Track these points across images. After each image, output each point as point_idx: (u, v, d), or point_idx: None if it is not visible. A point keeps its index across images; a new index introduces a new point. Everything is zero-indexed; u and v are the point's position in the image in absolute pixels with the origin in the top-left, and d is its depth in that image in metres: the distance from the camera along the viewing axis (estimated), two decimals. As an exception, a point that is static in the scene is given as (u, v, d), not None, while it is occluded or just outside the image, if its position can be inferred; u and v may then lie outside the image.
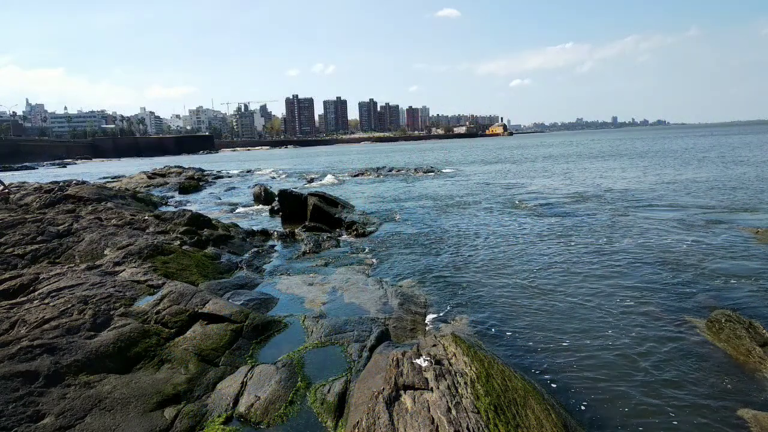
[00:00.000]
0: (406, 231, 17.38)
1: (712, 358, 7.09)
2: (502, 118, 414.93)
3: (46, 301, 7.50)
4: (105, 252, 11.61)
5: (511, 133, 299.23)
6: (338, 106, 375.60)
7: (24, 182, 34.00)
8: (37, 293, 7.97)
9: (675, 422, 5.64)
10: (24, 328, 6.59)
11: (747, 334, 7.35)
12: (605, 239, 14.46)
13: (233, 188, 36.53)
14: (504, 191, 28.06)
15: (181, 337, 7.08)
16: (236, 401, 5.71)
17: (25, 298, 7.70)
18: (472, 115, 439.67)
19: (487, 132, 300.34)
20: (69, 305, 7.29)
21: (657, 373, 6.71)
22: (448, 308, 9.50)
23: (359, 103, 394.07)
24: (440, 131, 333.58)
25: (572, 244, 14.14)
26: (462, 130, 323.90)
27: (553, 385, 6.44)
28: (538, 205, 21.77)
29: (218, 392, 5.93)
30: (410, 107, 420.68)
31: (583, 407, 5.98)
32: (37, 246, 11.60)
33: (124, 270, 9.66)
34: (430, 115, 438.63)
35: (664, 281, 10.40)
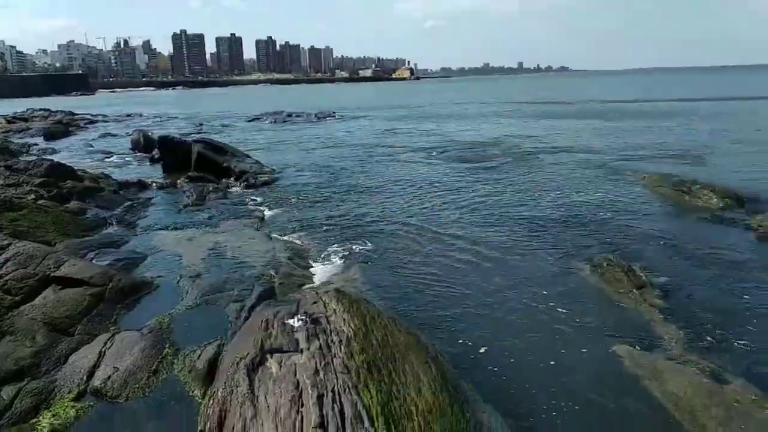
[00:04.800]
0: (303, 181, 17.04)
1: (594, 299, 7.56)
2: (408, 62, 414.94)
3: None
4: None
5: (417, 78, 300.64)
6: (233, 44, 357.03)
7: None
8: None
9: (558, 357, 5.97)
10: None
11: (626, 278, 7.90)
12: (502, 188, 14.95)
13: (109, 134, 33.93)
14: (407, 138, 28.21)
15: (29, 305, 6.46)
16: (91, 374, 5.32)
17: None
18: (378, 58, 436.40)
19: (393, 75, 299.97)
20: None
21: (543, 315, 7.05)
22: (342, 261, 9.41)
23: (256, 42, 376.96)
24: (345, 74, 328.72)
25: (471, 192, 14.50)
26: (368, 73, 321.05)
27: (442, 335, 6.59)
28: (439, 153, 22.11)
29: (71, 365, 5.50)
30: (312, 47, 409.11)
31: (469, 351, 6.19)
32: None
33: (-40, 230, 8.66)
34: (334, 56, 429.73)
35: (554, 227, 10.94)
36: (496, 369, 5.86)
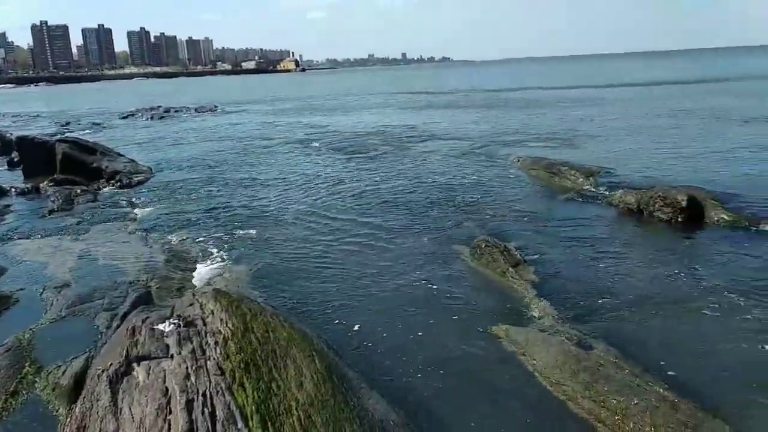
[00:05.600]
0: (181, 178, 16.32)
1: (473, 281, 7.89)
2: (293, 54, 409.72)
3: None
4: None
5: (303, 70, 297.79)
6: (101, 35, 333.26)
7: None
8: None
9: (437, 340, 6.16)
10: None
11: (502, 257, 8.31)
12: (384, 175, 15.20)
13: (-42, 137, 30.50)
14: (291, 130, 27.86)
15: None
16: (-65, 405, 4.77)
17: None
18: (262, 50, 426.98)
19: (278, 67, 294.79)
20: None
21: (423, 300, 7.25)
22: (225, 260, 9.12)
23: (128, 33, 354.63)
24: (227, 66, 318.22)
25: (354, 181, 14.62)
26: (251, 65, 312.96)
27: (327, 326, 6.60)
28: (322, 144, 22.07)
29: None
30: (190, 38, 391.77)
31: (352, 339, 6.25)
32: None
33: None
34: (215, 48, 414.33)
35: (435, 211, 11.31)
36: (380, 352, 5.97)
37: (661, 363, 5.50)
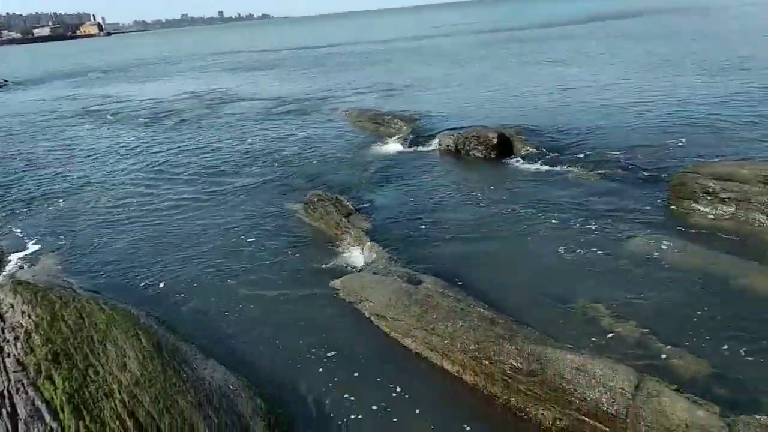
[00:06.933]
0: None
1: (308, 236, 7.95)
2: (94, 16, 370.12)
3: None
4: None
5: (109, 34, 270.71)
6: None
7: None
8: None
9: (275, 300, 6.16)
10: None
11: (335, 209, 8.42)
12: (201, 140, 14.58)
13: None
14: (93, 103, 25.29)
15: None
16: None
17: None
18: (55, 14, 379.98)
19: (78, 33, 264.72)
20: None
21: (258, 261, 7.17)
22: (35, 247, 8.26)
23: None
24: (16, 35, 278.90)
25: (172, 148, 13.83)
26: (46, 32, 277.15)
27: (157, 301, 6.30)
28: (133, 116, 20.40)
29: None
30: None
31: (185, 310, 6.09)
32: None
33: None
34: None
35: (262, 172, 11.13)
36: (215, 319, 5.86)
37: (480, 285, 6.03)
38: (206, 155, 12.86)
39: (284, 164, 11.59)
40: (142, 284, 6.79)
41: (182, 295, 6.44)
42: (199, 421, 3.66)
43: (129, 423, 3.30)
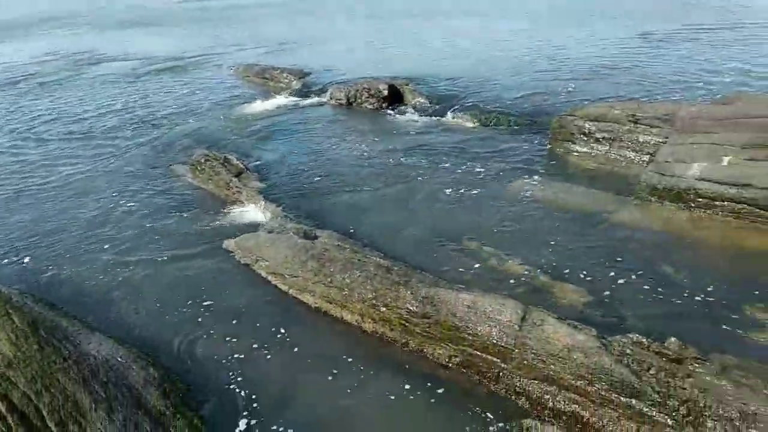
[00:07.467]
0: None
1: (195, 199, 7.59)
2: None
3: None
4: None
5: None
6: None
7: None
8: None
9: (167, 267, 5.88)
10: None
11: (224, 169, 8.08)
12: (78, 103, 13.36)
13: None
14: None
15: None
16: None
17: None
18: None
19: None
20: None
21: (145, 226, 6.81)
22: None
23: None
24: None
25: (46, 113, 12.57)
26: None
27: (33, 277, 5.85)
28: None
29: None
30: None
31: (65, 285, 5.69)
32: None
33: None
34: None
35: (144, 133, 10.46)
36: (99, 292, 5.53)
37: (376, 234, 6.09)
38: (76, 119, 11.76)
39: (165, 125, 10.89)
40: (14, 261, 6.23)
41: (59, 268, 5.99)
42: (84, 396, 3.44)
43: (1, 406, 3.04)
